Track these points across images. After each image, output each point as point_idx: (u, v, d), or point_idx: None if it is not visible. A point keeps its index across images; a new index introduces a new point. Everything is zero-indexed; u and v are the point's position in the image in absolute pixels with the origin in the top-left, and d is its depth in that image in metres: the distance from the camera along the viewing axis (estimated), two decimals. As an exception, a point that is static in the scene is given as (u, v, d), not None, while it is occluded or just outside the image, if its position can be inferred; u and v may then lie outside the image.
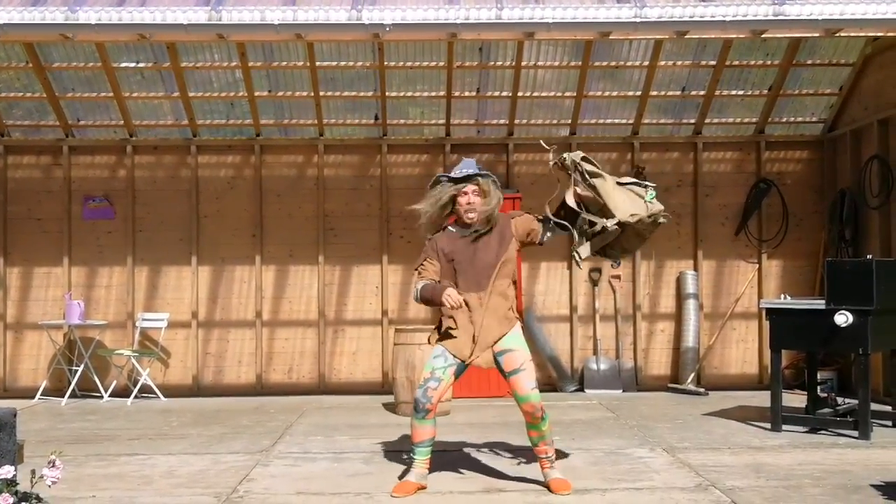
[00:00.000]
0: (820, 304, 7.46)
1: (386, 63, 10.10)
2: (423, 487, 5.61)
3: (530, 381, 5.65)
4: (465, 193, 5.77)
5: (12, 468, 4.45)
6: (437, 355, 5.70)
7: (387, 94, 10.47)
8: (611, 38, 8.84)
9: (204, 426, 8.40)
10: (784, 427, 7.69)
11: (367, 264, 10.81)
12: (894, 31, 8.31)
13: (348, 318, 10.83)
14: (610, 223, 5.72)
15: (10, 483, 4.36)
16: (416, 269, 5.91)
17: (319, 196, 10.81)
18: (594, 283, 10.81)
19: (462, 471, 6.12)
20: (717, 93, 10.54)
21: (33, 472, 4.51)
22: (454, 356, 5.66)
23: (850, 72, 10.32)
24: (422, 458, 5.67)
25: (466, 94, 10.63)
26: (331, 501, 5.50)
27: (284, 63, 10.18)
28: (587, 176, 5.81)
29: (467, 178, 5.78)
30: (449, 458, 6.57)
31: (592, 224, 5.80)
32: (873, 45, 9.81)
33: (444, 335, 5.72)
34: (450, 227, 5.93)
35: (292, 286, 10.82)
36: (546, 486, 5.69)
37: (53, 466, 4.57)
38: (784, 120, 10.95)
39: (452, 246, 5.80)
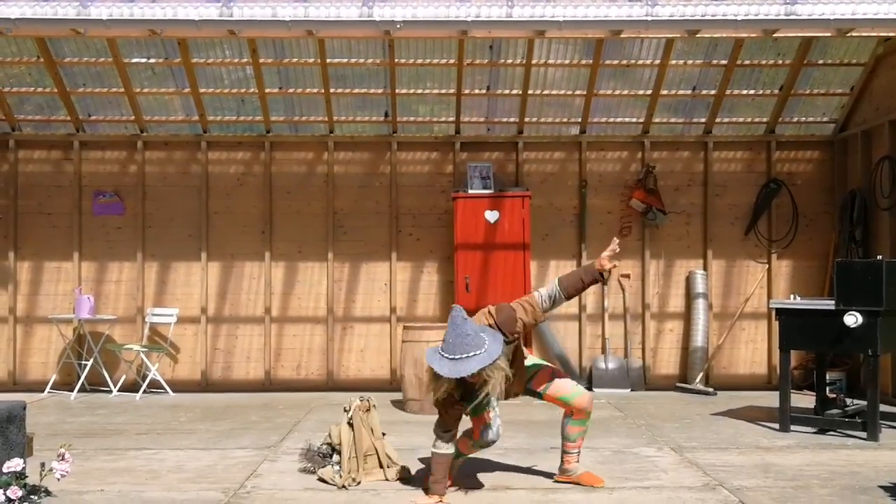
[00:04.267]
0: (829, 304, 7.43)
1: (396, 60, 10.11)
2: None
3: (569, 382, 5.72)
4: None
5: (21, 461, 4.47)
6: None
7: (397, 91, 10.47)
8: (622, 36, 8.84)
9: (212, 421, 8.42)
10: (792, 428, 7.67)
11: (376, 261, 10.82)
12: (906, 31, 8.30)
13: (357, 315, 10.85)
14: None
15: (20, 476, 4.38)
16: (442, 421, 5.47)
17: (329, 193, 10.82)
18: (603, 282, 10.77)
19: (469, 468, 6.11)
20: (728, 92, 10.52)
21: (42, 465, 4.53)
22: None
23: (861, 72, 10.28)
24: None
25: (476, 91, 10.62)
26: (338, 498, 5.50)
27: (295, 60, 10.19)
28: None
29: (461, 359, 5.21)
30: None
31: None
32: (885, 46, 9.77)
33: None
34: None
35: (301, 283, 10.84)
36: (574, 481, 5.75)
37: (63, 460, 4.59)
38: (795, 120, 10.92)
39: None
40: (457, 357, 5.16)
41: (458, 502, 5.40)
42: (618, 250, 5.78)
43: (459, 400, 5.40)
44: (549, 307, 5.62)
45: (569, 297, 5.76)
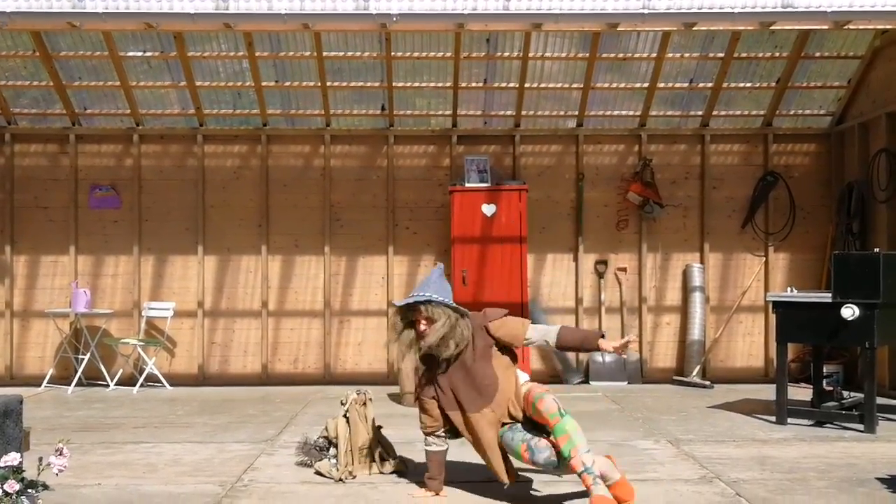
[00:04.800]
0: (826, 297, 7.44)
1: (393, 53, 10.09)
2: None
3: (538, 387, 5.28)
4: (417, 322, 5.32)
5: (18, 455, 4.46)
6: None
7: (393, 84, 10.45)
8: (618, 29, 8.84)
9: (209, 415, 8.42)
10: (789, 420, 7.68)
11: (373, 255, 10.82)
12: (904, 23, 8.29)
13: (354, 309, 10.84)
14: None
15: (17, 470, 4.37)
16: (422, 421, 5.47)
17: (326, 186, 10.81)
18: (600, 275, 10.81)
19: (468, 462, 6.12)
20: (725, 85, 10.51)
21: (40, 459, 4.52)
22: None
23: (858, 64, 10.28)
24: None
25: (473, 85, 10.61)
26: (335, 491, 5.51)
27: (291, 53, 10.17)
28: None
29: (409, 307, 5.34)
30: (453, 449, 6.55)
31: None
32: (882, 38, 9.77)
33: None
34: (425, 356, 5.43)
35: (298, 276, 10.84)
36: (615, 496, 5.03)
37: (60, 454, 4.58)
38: (792, 113, 10.91)
39: (429, 377, 5.39)
40: (413, 294, 5.31)
41: (457, 497, 5.39)
42: (632, 345, 5.50)
43: (425, 372, 5.37)
44: (531, 343, 5.43)
45: (559, 349, 5.66)
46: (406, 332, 5.37)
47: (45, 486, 4.45)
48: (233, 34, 9.76)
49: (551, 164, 10.93)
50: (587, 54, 10.14)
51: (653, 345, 10.86)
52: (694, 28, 8.58)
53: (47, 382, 10.26)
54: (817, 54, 10.27)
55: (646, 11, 7.90)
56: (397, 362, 5.59)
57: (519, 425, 5.25)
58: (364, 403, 6.10)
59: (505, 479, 5.23)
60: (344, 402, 6.07)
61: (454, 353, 5.27)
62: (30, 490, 4.37)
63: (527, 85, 10.47)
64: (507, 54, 10.25)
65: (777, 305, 7.83)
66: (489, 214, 10.14)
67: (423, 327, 5.29)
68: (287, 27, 8.58)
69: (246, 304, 10.83)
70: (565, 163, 10.91)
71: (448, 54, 10.18)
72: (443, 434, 5.43)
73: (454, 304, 5.35)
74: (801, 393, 9.08)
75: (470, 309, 5.48)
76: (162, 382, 10.33)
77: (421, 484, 5.51)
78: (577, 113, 10.82)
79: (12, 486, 4.30)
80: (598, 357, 10.60)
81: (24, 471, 4.41)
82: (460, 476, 5.77)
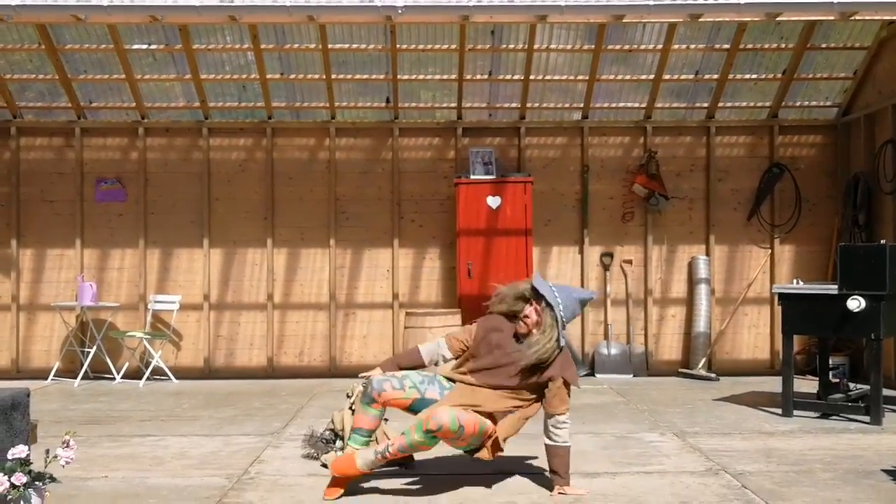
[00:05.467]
0: (832, 289, 7.43)
1: (398, 46, 10.08)
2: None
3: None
4: (531, 310, 5.36)
5: (26, 448, 4.47)
6: (427, 376, 5.47)
7: (398, 76, 10.44)
8: (624, 21, 8.80)
9: (215, 408, 8.44)
10: (795, 412, 7.68)
11: (379, 248, 10.82)
12: (910, 14, 8.26)
13: (359, 302, 10.85)
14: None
15: (24, 462, 4.39)
16: (454, 336, 5.61)
17: (331, 179, 10.81)
18: (605, 267, 10.80)
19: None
20: (731, 77, 10.48)
21: (47, 451, 4.53)
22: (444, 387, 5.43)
23: (864, 55, 10.25)
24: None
25: (478, 77, 10.59)
26: (342, 483, 5.51)
27: (296, 45, 10.16)
28: None
29: (539, 297, 5.36)
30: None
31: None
32: (888, 29, 9.74)
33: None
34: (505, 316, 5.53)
35: (304, 269, 10.84)
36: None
37: (67, 447, 4.59)
38: (798, 104, 10.88)
39: (496, 326, 5.47)
40: (559, 287, 5.40)
41: (462, 491, 5.40)
42: None
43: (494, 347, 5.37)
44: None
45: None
46: (522, 298, 5.39)
47: (53, 479, 4.46)
48: (238, 27, 9.75)
49: (556, 157, 10.91)
50: (592, 46, 10.12)
51: (658, 337, 10.86)
52: (700, 19, 8.55)
53: (53, 375, 10.29)
54: (823, 45, 10.24)
55: (651, 3, 7.88)
56: (494, 305, 5.52)
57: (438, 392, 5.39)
58: None
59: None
60: (350, 394, 6.07)
61: (532, 362, 5.25)
62: (37, 482, 4.39)
63: (532, 77, 10.46)
64: (512, 46, 10.23)
65: (783, 297, 7.82)
66: (494, 207, 10.14)
67: (528, 314, 5.33)
68: (292, 19, 8.56)
69: (251, 297, 10.84)
70: (570, 155, 10.89)
71: (453, 46, 10.16)
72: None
73: (563, 328, 5.34)
74: (806, 385, 9.09)
75: (474, 301, 5.50)
76: (168, 376, 10.35)
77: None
78: (582, 105, 10.80)
79: (20, 478, 4.31)
80: (603, 349, 10.60)
81: (31, 463, 4.43)
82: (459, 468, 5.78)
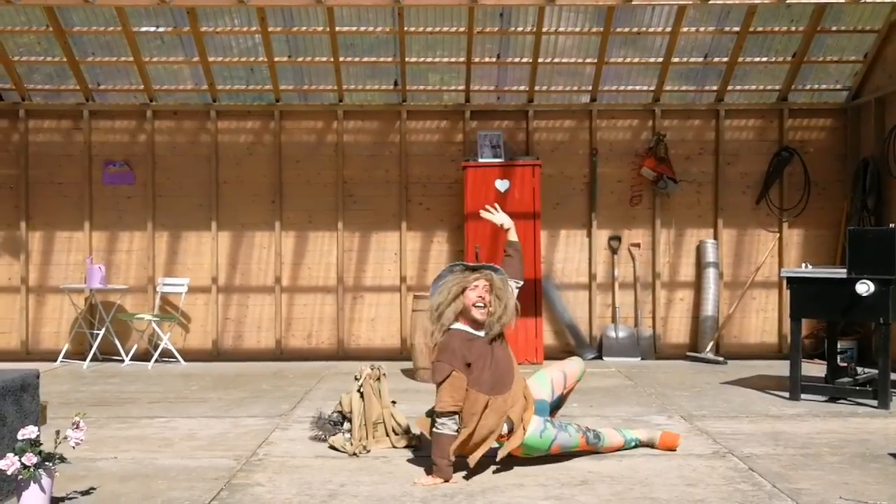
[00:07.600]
0: (841, 273, 7.41)
1: (406, 28, 10.05)
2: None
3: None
4: (475, 287, 5.28)
5: (36, 429, 4.50)
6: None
7: (406, 59, 10.42)
8: (633, 3, 8.77)
9: (224, 390, 8.47)
10: (803, 396, 7.68)
11: (386, 231, 10.82)
12: (922, -4, 8.20)
13: (367, 285, 10.87)
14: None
15: (34, 443, 4.42)
16: (442, 399, 5.15)
17: (339, 162, 10.81)
18: (613, 250, 10.79)
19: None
20: (740, 60, 10.43)
21: (57, 432, 4.56)
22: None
23: (875, 39, 10.19)
24: None
25: (487, 60, 10.56)
26: (349, 465, 5.53)
27: (304, 28, 10.14)
28: None
29: (478, 269, 5.34)
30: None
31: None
32: (900, 12, 9.68)
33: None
34: (459, 326, 5.32)
35: (311, 252, 10.86)
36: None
37: (77, 428, 4.63)
38: (807, 87, 10.84)
39: (469, 350, 5.22)
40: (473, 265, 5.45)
41: (463, 482, 5.40)
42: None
43: (457, 348, 5.19)
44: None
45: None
46: (458, 301, 5.31)
47: (63, 459, 4.49)
48: (245, 9, 9.73)
49: (565, 140, 10.89)
50: (601, 29, 10.08)
51: (666, 320, 10.85)
52: (709, 2, 8.50)
53: (63, 357, 10.34)
54: (833, 28, 10.18)
55: (661, -15, 7.84)
56: (434, 322, 5.31)
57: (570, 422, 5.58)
58: (378, 378, 6.13)
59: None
60: (358, 377, 6.09)
61: (498, 332, 5.33)
62: (47, 462, 4.42)
63: (540, 60, 10.42)
64: (520, 29, 10.19)
65: (791, 281, 7.81)
66: (502, 190, 10.12)
67: (481, 294, 5.29)
68: (300, 2, 8.55)
69: (260, 280, 10.86)
70: (579, 138, 10.87)
71: (461, 29, 10.13)
72: (456, 418, 5.15)
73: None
74: (814, 369, 9.08)
75: None
76: (176, 358, 10.39)
77: (428, 469, 5.26)
78: (590, 88, 10.76)
79: (30, 458, 4.34)
80: (611, 333, 10.60)
81: (41, 444, 4.46)
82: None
